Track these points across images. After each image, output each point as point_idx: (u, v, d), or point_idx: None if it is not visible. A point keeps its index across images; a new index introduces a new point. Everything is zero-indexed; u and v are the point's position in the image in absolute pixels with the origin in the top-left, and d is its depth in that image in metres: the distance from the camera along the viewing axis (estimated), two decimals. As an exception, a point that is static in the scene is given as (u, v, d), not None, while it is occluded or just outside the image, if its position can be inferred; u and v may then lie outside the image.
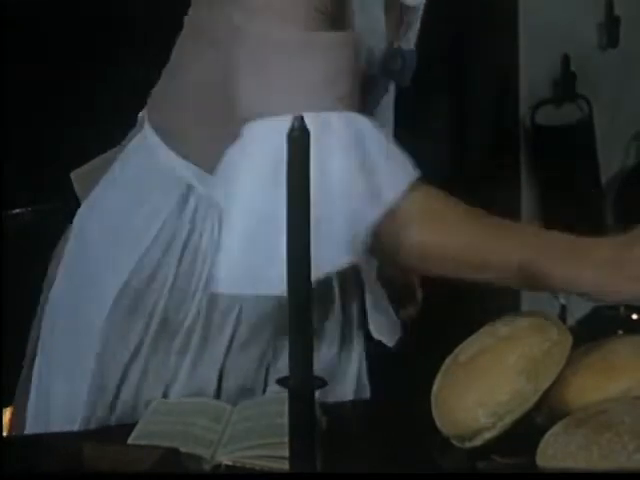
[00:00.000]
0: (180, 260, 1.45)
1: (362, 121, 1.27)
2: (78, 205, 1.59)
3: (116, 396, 1.46)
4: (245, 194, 1.26)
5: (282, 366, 1.46)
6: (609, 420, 1.13)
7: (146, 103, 1.56)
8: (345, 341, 1.59)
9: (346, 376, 1.58)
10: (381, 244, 1.27)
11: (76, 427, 1.45)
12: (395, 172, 1.27)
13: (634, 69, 3.00)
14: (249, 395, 1.47)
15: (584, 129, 2.94)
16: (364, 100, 1.35)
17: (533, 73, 2.89)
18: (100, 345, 1.46)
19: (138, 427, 1.33)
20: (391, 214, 1.25)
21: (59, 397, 1.48)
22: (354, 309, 1.58)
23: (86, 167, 1.61)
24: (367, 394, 1.59)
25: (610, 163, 2.99)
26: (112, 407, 1.46)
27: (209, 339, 1.47)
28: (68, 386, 1.48)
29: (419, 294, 1.78)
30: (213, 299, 1.46)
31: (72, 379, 1.48)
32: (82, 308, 1.50)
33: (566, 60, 2.93)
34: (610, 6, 2.95)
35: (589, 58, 2.95)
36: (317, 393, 0.99)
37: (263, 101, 1.25)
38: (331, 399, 1.49)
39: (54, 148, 2.49)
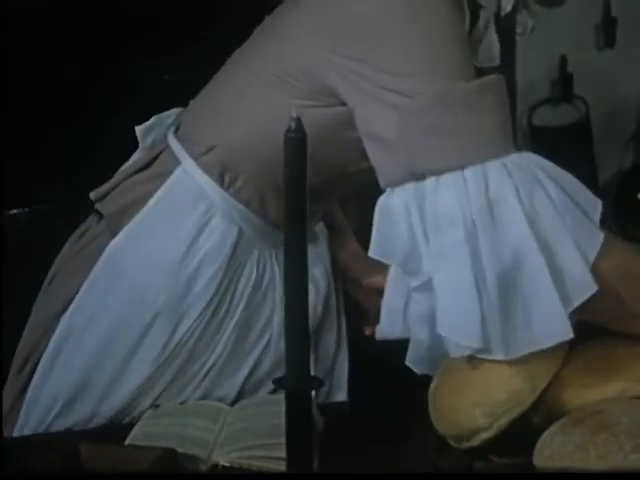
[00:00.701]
0: (219, 304, 1.46)
1: (534, 156, 1.24)
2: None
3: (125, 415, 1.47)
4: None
5: None
6: (606, 420, 1.13)
7: (175, 132, 1.52)
8: (340, 345, 1.61)
9: (341, 381, 1.60)
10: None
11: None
12: (590, 199, 1.25)
13: (631, 70, 3.01)
14: None
15: (581, 129, 2.94)
16: None
17: (530, 73, 2.90)
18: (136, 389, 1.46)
19: (136, 428, 1.34)
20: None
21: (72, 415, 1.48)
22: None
23: (108, 188, 1.55)
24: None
25: (607, 164, 2.99)
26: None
27: (230, 372, 1.48)
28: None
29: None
30: (240, 337, 1.48)
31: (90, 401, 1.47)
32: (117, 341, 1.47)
33: (563, 61, 2.94)
34: (607, 7, 2.95)
35: (586, 59, 2.95)
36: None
37: (445, 157, 1.22)
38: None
39: (54, 148, 2.49)
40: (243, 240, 1.46)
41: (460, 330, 1.19)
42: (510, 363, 1.21)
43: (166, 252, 1.45)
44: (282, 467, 1.02)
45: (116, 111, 2.36)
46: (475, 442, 1.22)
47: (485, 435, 1.21)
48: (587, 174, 2.94)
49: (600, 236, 1.22)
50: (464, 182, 1.20)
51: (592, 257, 1.20)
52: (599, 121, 2.96)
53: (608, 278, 1.22)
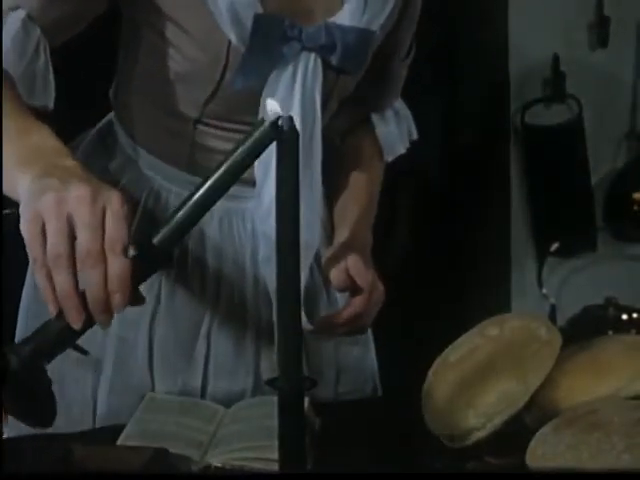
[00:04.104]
0: None
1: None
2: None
3: None
4: None
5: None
6: (598, 420, 1.13)
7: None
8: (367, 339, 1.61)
9: (366, 374, 1.60)
10: None
11: None
12: None
13: (624, 69, 3.01)
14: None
15: (574, 129, 2.94)
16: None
17: (523, 73, 2.89)
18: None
19: (131, 422, 1.33)
20: None
21: None
22: None
23: None
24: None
25: (600, 163, 2.99)
26: None
27: None
28: None
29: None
30: None
31: None
32: None
33: (556, 60, 2.94)
34: (600, 6, 2.95)
35: (579, 58, 2.95)
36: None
37: None
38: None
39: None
40: (128, 175, 1.58)
41: None
42: (503, 364, 1.21)
43: None
44: (275, 468, 1.02)
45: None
46: (468, 442, 1.22)
47: (478, 435, 1.21)
48: (579, 173, 2.94)
49: None
50: None
51: None
52: (592, 120, 2.96)
53: None
